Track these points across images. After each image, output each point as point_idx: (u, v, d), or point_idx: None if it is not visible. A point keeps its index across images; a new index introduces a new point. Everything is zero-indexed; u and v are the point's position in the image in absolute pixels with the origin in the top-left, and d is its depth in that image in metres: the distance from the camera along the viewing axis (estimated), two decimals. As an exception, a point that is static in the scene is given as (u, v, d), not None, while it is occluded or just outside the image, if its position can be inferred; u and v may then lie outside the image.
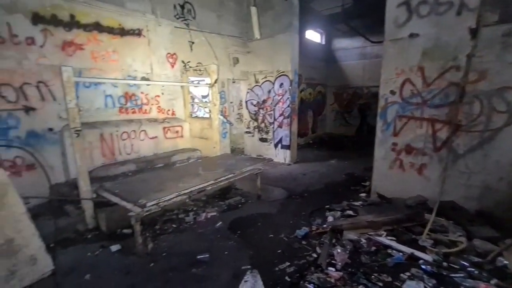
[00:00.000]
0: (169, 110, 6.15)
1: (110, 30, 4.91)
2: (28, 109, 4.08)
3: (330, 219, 4.01)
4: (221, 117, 6.90)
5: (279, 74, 7.37)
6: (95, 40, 4.73)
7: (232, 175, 4.49)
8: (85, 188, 3.71)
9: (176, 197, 3.57)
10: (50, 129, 4.32)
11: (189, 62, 6.35)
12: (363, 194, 4.97)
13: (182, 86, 6.33)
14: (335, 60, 12.00)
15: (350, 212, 4.21)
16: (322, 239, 3.44)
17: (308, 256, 3.14)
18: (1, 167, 2.08)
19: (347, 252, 3.07)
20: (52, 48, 4.25)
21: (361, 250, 3.16)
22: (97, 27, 4.72)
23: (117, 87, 5.15)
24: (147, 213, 3.21)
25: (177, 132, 6.07)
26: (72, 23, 4.43)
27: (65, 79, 3.38)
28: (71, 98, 3.44)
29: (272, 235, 3.66)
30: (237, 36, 7.59)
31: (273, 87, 7.58)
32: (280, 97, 7.45)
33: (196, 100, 6.68)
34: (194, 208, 4.50)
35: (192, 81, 6.59)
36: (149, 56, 5.62)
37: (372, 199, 4.66)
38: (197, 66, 6.36)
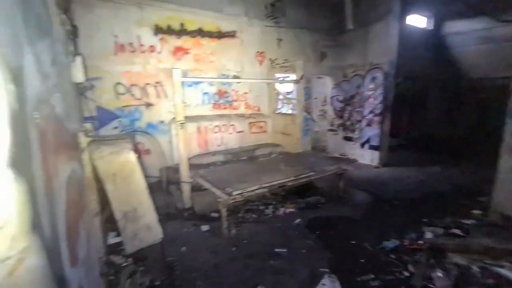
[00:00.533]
0: (255, 106, 6.49)
1: (210, 34, 5.52)
2: (148, 105, 5.04)
3: (428, 235, 3.42)
4: (305, 114, 6.82)
5: (372, 67, 6.69)
6: (198, 44, 5.42)
7: (313, 173, 4.40)
8: (185, 173, 4.33)
9: (258, 189, 3.75)
10: (162, 121, 5.22)
11: (276, 59, 6.49)
12: (477, 212, 4.03)
13: (268, 83, 6.55)
14: (445, 47, 9.98)
15: (457, 231, 3.48)
16: (417, 257, 2.97)
17: (397, 272, 2.78)
18: (132, 151, 2.68)
19: (452, 278, 2.56)
20: (167, 53, 5.11)
21: (472, 280, 2.57)
22: (200, 32, 5.38)
23: (213, 85, 5.77)
24: (233, 201, 3.50)
25: (261, 127, 6.34)
26: (182, 31, 5.19)
27: (175, 80, 4.01)
28: (179, 96, 4.06)
29: (354, 242, 3.41)
30: (326, 29, 7.28)
31: (363, 82, 6.95)
32: (371, 92, 6.76)
33: (280, 97, 6.80)
34: (273, 202, 4.62)
35: (278, 78, 6.72)
36: (241, 56, 6.03)
37: (492, 219, 3.71)
38: (283, 63, 6.44)
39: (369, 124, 6.96)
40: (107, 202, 2.74)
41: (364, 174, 6.23)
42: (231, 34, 5.79)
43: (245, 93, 6.29)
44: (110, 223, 3.12)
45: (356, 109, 7.23)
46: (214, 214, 4.12)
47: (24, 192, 0.93)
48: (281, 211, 4.32)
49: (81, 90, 3.82)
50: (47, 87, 1.38)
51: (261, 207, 4.45)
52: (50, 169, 1.26)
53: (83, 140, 2.47)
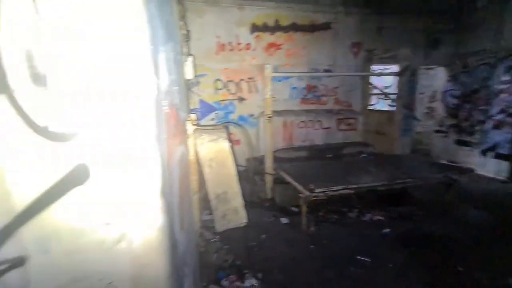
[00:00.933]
0: (345, 101, 6.09)
1: (303, 28, 5.47)
2: (241, 99, 5.47)
3: None
4: (405, 111, 5.96)
5: (509, 54, 5.19)
6: (290, 39, 5.46)
7: (411, 179, 3.84)
8: (269, 165, 4.51)
9: (342, 189, 3.56)
10: (252, 115, 5.57)
11: (374, 49, 5.87)
12: None
13: (362, 77, 6.02)
14: None
15: None
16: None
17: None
18: (227, 140, 3.00)
19: None
20: (260, 50, 5.37)
21: None
22: (294, 27, 5.41)
23: (302, 80, 5.73)
24: (314, 198, 3.44)
25: (350, 124, 5.92)
26: (276, 27, 5.34)
27: (266, 75, 4.19)
28: (268, 91, 4.23)
29: (461, 269, 2.81)
30: (442, 11, 6.05)
31: (493, 73, 5.48)
32: (506, 86, 5.26)
33: (376, 91, 6.14)
34: (359, 206, 4.28)
35: (376, 70, 6.08)
36: (334, 48, 5.74)
37: None
38: (383, 53, 5.76)
39: (497, 127, 5.47)
40: (204, 183, 3.16)
41: (483, 189, 4.98)
42: (324, 26, 5.58)
43: (335, 87, 5.98)
44: (204, 202, 3.60)
45: (479, 107, 5.79)
46: (294, 209, 4.14)
47: (159, 164, 1.19)
48: (367, 217, 3.96)
49: (189, 86, 4.48)
50: (170, 81, 1.71)
51: (345, 209, 4.19)
52: (170, 149, 1.56)
53: (190, 128, 2.92)
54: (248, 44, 5.28)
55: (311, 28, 5.51)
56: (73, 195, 1.07)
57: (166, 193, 1.27)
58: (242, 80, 5.41)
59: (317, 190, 3.37)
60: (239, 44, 5.24)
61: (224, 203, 2.84)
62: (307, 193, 3.42)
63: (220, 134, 3.03)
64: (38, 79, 0.99)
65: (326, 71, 5.74)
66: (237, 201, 2.90)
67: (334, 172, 4.18)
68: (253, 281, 2.67)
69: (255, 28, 5.24)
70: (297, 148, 5.48)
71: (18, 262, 1.05)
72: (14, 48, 0.96)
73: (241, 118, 5.55)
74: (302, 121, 5.62)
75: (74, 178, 1.06)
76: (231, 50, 5.23)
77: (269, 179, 4.55)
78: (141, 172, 1.15)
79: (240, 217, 2.87)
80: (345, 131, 5.91)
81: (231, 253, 3.03)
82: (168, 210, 1.29)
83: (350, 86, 6.05)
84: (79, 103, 1.04)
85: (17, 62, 0.97)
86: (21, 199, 1.03)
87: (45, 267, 1.09)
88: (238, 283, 2.64)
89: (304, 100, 5.87)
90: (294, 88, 5.75)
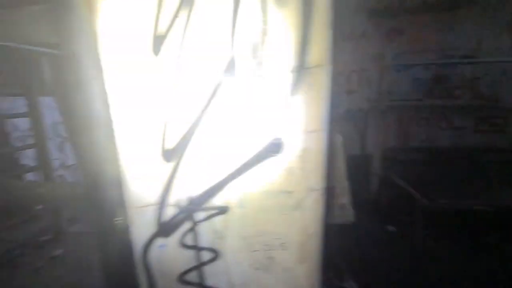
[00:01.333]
0: (490, 95, 4.77)
1: (436, 6, 4.55)
2: (350, 92, 5.14)
3: None
4: None
5: None
6: (418, 22, 4.65)
7: None
8: (377, 164, 4.12)
9: (478, 205, 2.87)
10: (360, 109, 5.15)
11: (549, 24, 4.30)
12: None
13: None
14: None
15: None
16: None
17: None
18: (339, 134, 2.91)
19: None
20: (377, 37, 4.83)
21: None
22: (423, 6, 4.58)
23: (428, 69, 4.83)
24: (436, 209, 2.92)
25: (496, 124, 4.63)
26: (398, 9, 4.67)
27: (382, 65, 3.77)
28: (385, 82, 3.80)
29: None
30: None
31: None
32: None
33: (545, 82, 4.52)
34: (500, 230, 3.34)
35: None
36: (479, 28, 4.54)
37: None
38: None
39: None
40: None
41: None
42: (467, 1, 4.47)
43: (476, 78, 4.75)
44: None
45: None
46: (404, 217, 3.65)
47: (324, 152, 1.44)
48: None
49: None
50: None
51: (477, 230, 3.37)
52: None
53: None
54: (363, 31, 4.85)
55: (448, 6, 4.52)
56: (265, 165, 1.38)
57: (326, 177, 1.50)
58: (353, 71, 5.06)
59: (441, 201, 2.85)
60: (353, 32, 4.89)
61: (331, 198, 2.80)
62: (426, 202, 2.94)
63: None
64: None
65: (464, 57, 4.62)
66: (345, 197, 2.81)
67: (464, 182, 3.40)
68: (353, 284, 2.56)
69: (373, 13, 4.74)
70: (414, 149, 4.76)
71: (223, 210, 1.42)
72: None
73: (349, 112, 5.23)
74: (424, 118, 4.80)
75: (267, 151, 1.37)
76: (343, 40, 4.94)
77: (375, 180, 4.17)
78: (314, 158, 1.41)
79: (347, 215, 2.77)
80: (486, 133, 4.68)
81: (330, 249, 2.98)
82: (325, 191, 1.53)
83: (500, 75, 4.68)
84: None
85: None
86: (228, 165, 1.40)
87: (239, 218, 1.43)
88: (335, 281, 2.60)
89: (428, 93, 4.95)
90: (416, 79, 4.91)
